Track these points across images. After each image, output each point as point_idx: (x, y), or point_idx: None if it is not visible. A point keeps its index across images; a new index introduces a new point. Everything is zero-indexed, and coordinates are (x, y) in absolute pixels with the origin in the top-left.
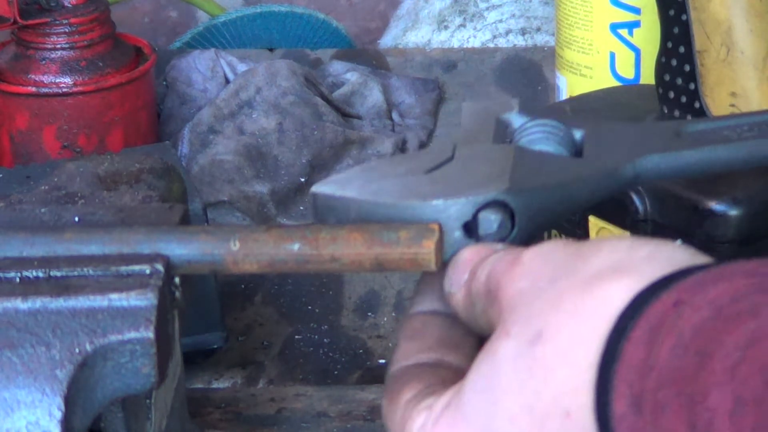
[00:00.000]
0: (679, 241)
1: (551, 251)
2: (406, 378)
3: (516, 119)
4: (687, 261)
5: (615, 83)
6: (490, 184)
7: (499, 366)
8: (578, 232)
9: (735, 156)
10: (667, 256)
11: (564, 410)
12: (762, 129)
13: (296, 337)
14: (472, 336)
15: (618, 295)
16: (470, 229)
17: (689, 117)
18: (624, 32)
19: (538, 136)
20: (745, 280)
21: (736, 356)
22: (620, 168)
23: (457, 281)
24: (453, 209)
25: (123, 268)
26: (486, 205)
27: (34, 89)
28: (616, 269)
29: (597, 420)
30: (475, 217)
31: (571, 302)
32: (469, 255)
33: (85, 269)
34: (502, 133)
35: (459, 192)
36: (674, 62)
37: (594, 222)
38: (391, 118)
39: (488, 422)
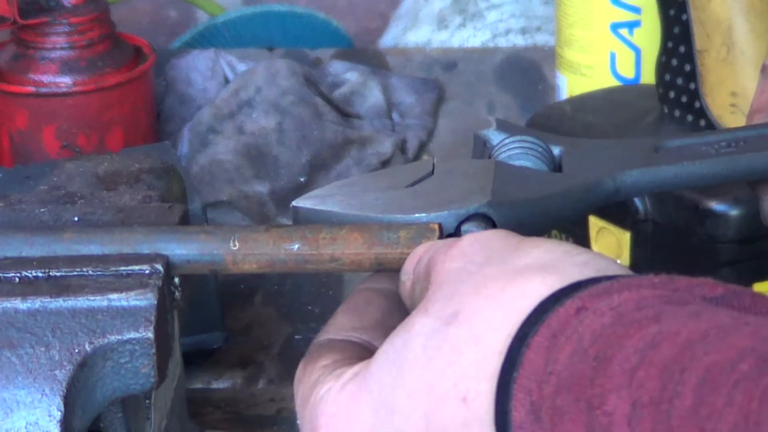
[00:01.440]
0: (618, 261)
1: (490, 239)
2: (329, 347)
3: (494, 136)
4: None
5: (615, 83)
6: (472, 198)
7: (410, 341)
8: (578, 232)
9: (713, 171)
10: (599, 267)
11: (462, 395)
12: (739, 145)
13: (296, 337)
14: None
15: (539, 290)
16: None
17: (690, 117)
18: (624, 32)
19: (517, 152)
20: (651, 291)
21: (635, 360)
22: (601, 182)
23: (408, 270)
24: (436, 222)
25: (122, 268)
26: (468, 218)
27: (33, 89)
28: (544, 267)
29: (496, 429)
30: (457, 229)
31: (492, 289)
32: (423, 247)
33: (84, 269)
34: (481, 149)
35: (441, 205)
36: (674, 62)
37: (594, 222)
38: (391, 118)
39: (388, 395)
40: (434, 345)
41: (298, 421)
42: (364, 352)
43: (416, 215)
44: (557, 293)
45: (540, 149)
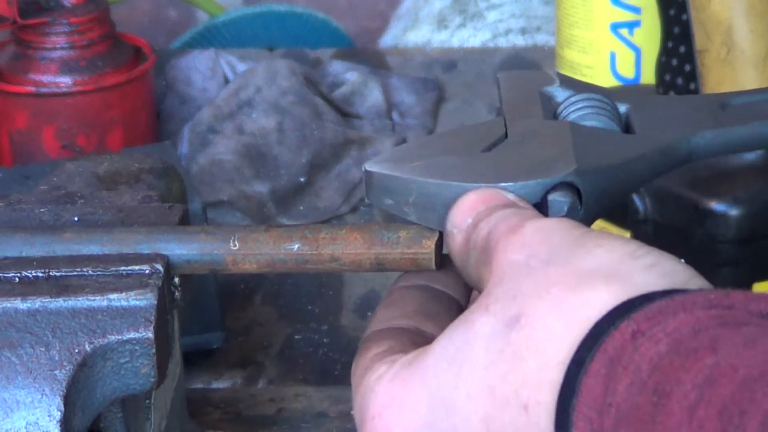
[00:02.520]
0: (682, 260)
1: (554, 230)
2: (377, 337)
3: (559, 92)
4: (685, 280)
5: (615, 83)
6: (558, 166)
7: (472, 339)
8: None
9: None
10: (665, 271)
11: (523, 403)
12: None
13: (296, 337)
14: (451, 309)
15: (604, 300)
16: (539, 212)
17: None
18: (624, 32)
19: (588, 111)
20: (706, 311)
21: (694, 396)
22: (675, 145)
23: (459, 223)
24: (522, 192)
25: (122, 268)
26: (554, 188)
27: (33, 89)
28: (609, 273)
29: None
30: (544, 199)
31: (556, 294)
32: (476, 198)
33: (84, 269)
34: (546, 106)
35: (527, 174)
36: (675, 62)
37: (594, 222)
38: (391, 118)
39: (447, 393)
40: (496, 348)
41: (352, 411)
42: (414, 336)
43: (503, 184)
44: (612, 312)
45: (608, 107)
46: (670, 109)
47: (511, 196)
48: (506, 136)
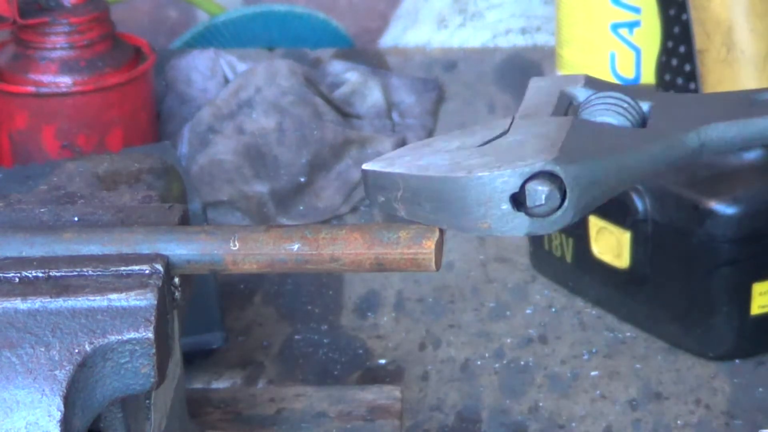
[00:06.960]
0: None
1: None
2: None
3: (581, 93)
4: None
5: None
6: (538, 155)
7: None
8: (578, 231)
9: None
10: None
11: None
12: None
13: (296, 337)
14: None
15: None
16: (518, 201)
17: None
18: (624, 32)
19: (599, 108)
20: None
21: None
22: (684, 137)
23: None
24: (499, 181)
25: (122, 268)
26: (533, 176)
27: (33, 89)
28: None
29: None
30: (522, 188)
31: None
32: None
33: (84, 269)
34: (566, 107)
35: (506, 164)
36: (675, 62)
37: (594, 222)
38: (391, 118)
39: None
40: None
41: None
42: None
43: (479, 174)
44: None
45: (625, 105)
46: (692, 105)
47: None
48: (508, 131)
